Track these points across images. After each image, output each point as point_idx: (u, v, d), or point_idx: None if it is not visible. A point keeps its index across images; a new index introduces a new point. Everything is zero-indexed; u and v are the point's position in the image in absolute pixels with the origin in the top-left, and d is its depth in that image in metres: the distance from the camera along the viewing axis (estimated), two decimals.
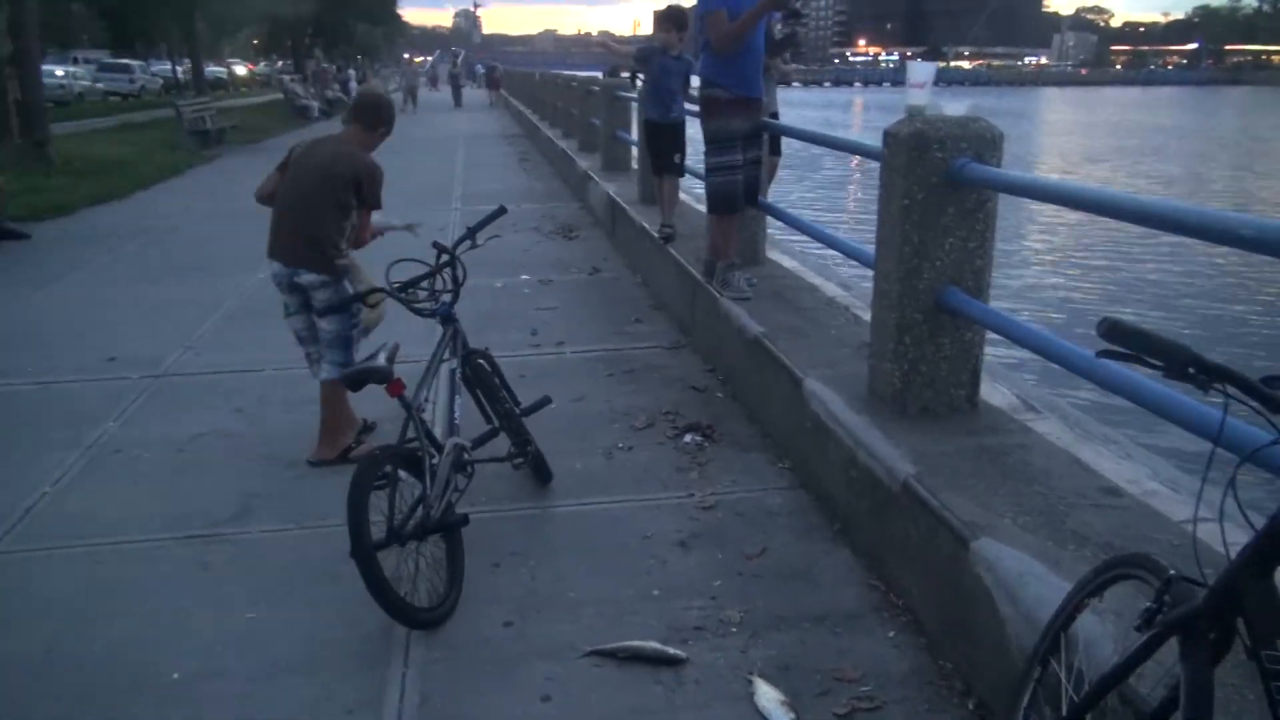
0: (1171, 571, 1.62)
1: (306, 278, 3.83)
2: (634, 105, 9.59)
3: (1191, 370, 1.45)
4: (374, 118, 4.00)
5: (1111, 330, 1.48)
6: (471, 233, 3.54)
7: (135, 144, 18.04)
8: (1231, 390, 1.45)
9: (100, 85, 36.70)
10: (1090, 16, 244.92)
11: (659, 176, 6.92)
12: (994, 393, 3.62)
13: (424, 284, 3.45)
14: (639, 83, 8.24)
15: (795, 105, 60.44)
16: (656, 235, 6.61)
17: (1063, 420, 3.47)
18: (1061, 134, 42.77)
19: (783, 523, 3.49)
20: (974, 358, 3.37)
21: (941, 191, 3.20)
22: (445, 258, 3.46)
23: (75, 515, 3.62)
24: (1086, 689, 1.76)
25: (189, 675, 2.67)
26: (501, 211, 3.72)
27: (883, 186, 3.40)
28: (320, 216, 3.81)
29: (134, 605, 3.03)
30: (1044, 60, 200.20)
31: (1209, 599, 1.52)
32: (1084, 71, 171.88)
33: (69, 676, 2.68)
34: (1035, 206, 15.98)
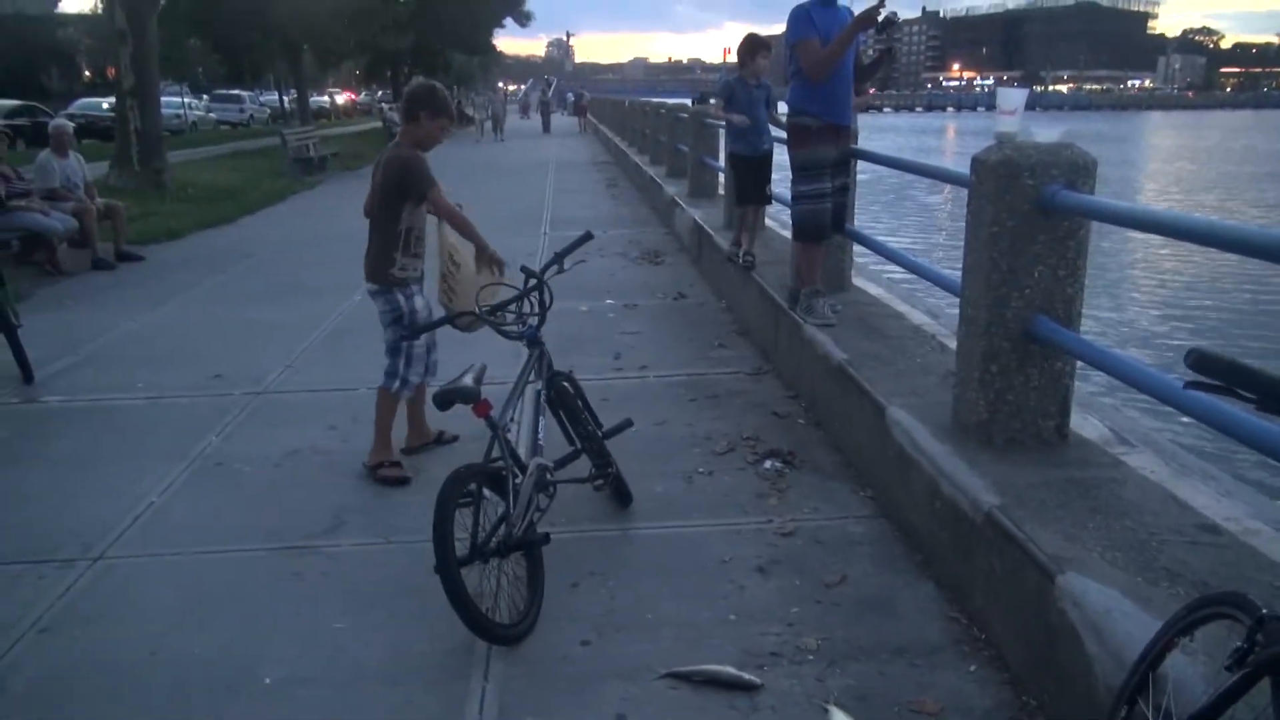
0: (1264, 610, 1.57)
1: (368, 287, 4.11)
2: (721, 133, 9.66)
3: None
4: (410, 109, 4.03)
5: (1200, 361, 1.45)
6: (559, 258, 3.62)
7: (243, 171, 18.89)
8: None
9: (213, 115, 38.62)
10: (1199, 38, 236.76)
11: (742, 206, 6.92)
12: (1085, 425, 3.53)
13: (512, 307, 3.54)
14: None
15: (886, 131, 59.88)
16: (739, 262, 6.62)
17: (1158, 454, 3.36)
18: (1165, 159, 41.30)
19: (863, 551, 3.45)
20: (1063, 388, 3.30)
21: (1032, 219, 3.15)
22: (533, 282, 3.54)
23: (179, 525, 3.81)
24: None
25: (280, 681, 2.78)
26: (588, 237, 3.79)
27: (971, 213, 3.36)
28: (373, 226, 4.09)
29: (231, 612, 3.16)
30: (1149, 83, 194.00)
31: None
32: (1191, 94, 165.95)
33: (169, 677, 2.81)
34: (1137, 236, 15.48)
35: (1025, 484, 2.97)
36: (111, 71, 20.73)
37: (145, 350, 6.44)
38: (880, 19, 4.68)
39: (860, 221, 5.81)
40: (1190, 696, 1.84)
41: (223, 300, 8.07)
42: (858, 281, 6.06)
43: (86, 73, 51.93)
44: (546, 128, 39.76)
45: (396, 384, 4.12)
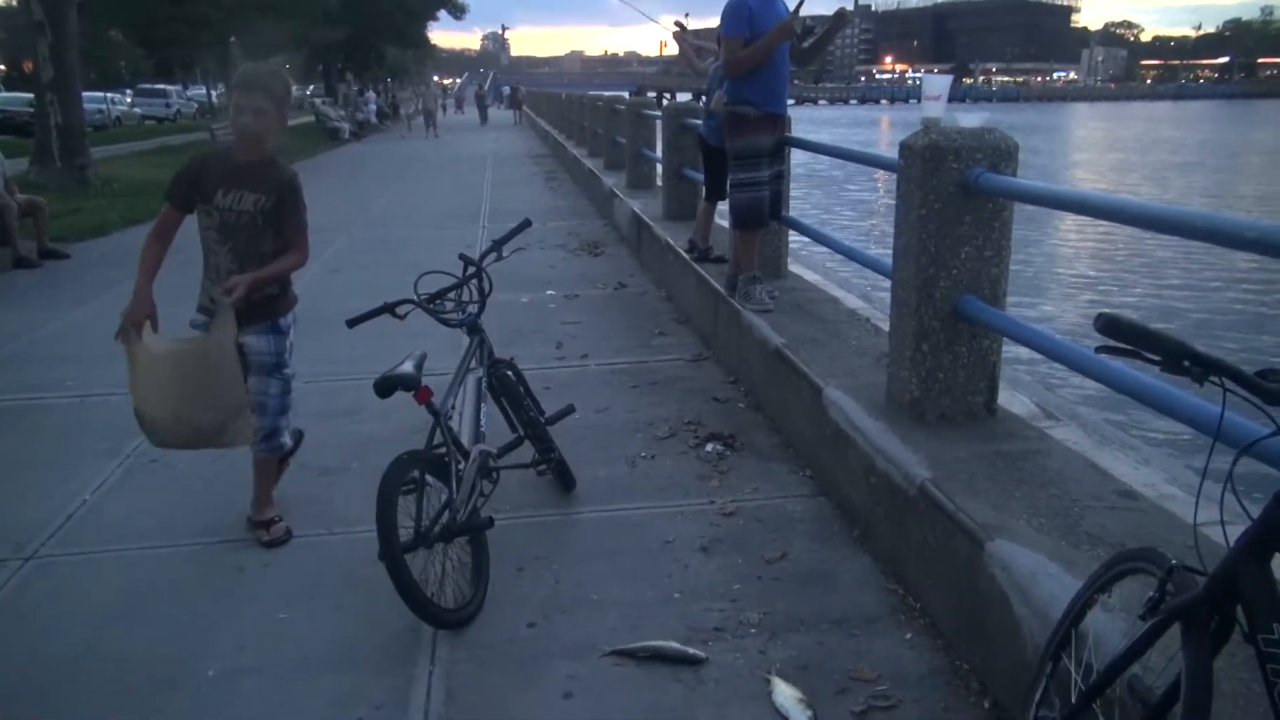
0: (1174, 562, 1.66)
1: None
2: (658, 123, 9.71)
3: (1187, 364, 1.50)
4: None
5: (1109, 325, 1.53)
6: (498, 245, 3.63)
7: (170, 166, 18.22)
8: (1228, 383, 1.49)
9: (138, 110, 37.55)
10: (1120, 31, 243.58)
11: (713, 201, 6.56)
12: (1013, 401, 3.65)
13: (451, 295, 3.54)
14: (665, 101, 8.15)
15: (822, 124, 60.57)
16: (710, 259, 6.30)
17: (1081, 427, 3.50)
18: (1090, 149, 42.48)
19: (803, 529, 3.53)
20: (991, 365, 3.41)
21: (957, 201, 3.25)
22: (472, 270, 3.55)
23: (114, 521, 3.74)
24: (1093, 679, 1.80)
25: (224, 672, 2.76)
26: (526, 224, 3.80)
27: (899, 197, 3.46)
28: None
29: (170, 607, 3.12)
30: (1073, 75, 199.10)
31: (1209, 586, 1.56)
32: (1113, 86, 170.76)
33: (107, 674, 2.77)
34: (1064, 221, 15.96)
35: (956, 458, 3.07)
36: (29, 65, 20.05)
37: (72, 348, 6.27)
38: (799, 29, 4.79)
39: (795, 210, 5.89)
40: (1109, 649, 1.93)
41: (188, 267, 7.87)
42: (794, 268, 6.16)
43: (2, 66, 50.09)
44: (484, 120, 39.62)
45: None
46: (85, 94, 17.40)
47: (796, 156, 5.69)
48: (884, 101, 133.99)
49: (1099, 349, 1.61)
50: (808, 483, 3.92)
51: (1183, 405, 2.23)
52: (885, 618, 2.94)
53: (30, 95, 19.61)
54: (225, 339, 3.29)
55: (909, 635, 2.84)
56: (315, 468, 4.13)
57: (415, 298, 3.47)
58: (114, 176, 15.42)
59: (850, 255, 4.81)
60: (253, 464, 3.57)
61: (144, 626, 3.01)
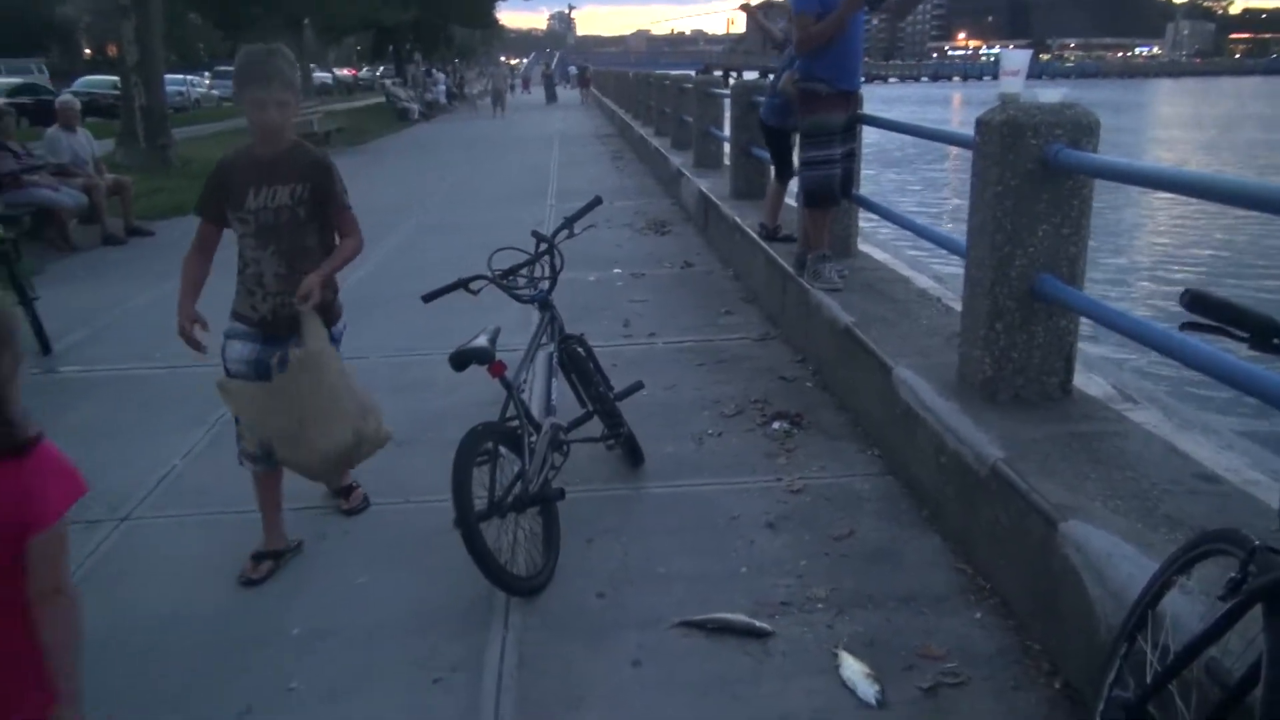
0: (1257, 542, 1.64)
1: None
2: (726, 102, 9.66)
3: (1277, 341, 1.47)
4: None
5: (1194, 301, 1.51)
6: (569, 222, 3.68)
7: None
8: None
9: (215, 92, 38.51)
10: (1207, 4, 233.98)
11: (783, 181, 6.49)
12: (1090, 383, 3.58)
13: (523, 271, 3.60)
14: (732, 79, 8.10)
15: (893, 101, 59.45)
16: (779, 238, 6.28)
17: (1161, 410, 3.42)
18: (1175, 126, 40.98)
19: (870, 507, 3.53)
20: (1067, 345, 3.36)
21: (1035, 178, 3.20)
22: (544, 247, 3.60)
23: (202, 487, 3.90)
24: (1175, 655, 1.78)
25: (307, 632, 2.88)
26: (597, 202, 3.84)
27: (975, 174, 3.41)
28: None
29: None
30: (1156, 50, 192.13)
31: None
32: (1199, 61, 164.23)
33: (196, 632, 2.91)
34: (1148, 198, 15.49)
35: (1029, 438, 3.04)
36: (113, 48, 20.67)
37: (160, 322, 6.45)
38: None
39: (866, 189, 5.83)
40: (1187, 631, 1.91)
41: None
42: (863, 248, 6.11)
43: (87, 50, 51.75)
44: (551, 99, 39.82)
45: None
46: (166, 76, 17.91)
47: (867, 135, 5.63)
48: (956, 79, 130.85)
49: (1183, 325, 1.59)
50: (876, 462, 3.91)
51: (1272, 386, 2.17)
52: (954, 597, 2.93)
53: (115, 78, 20.25)
54: (323, 347, 3.09)
55: (978, 615, 2.83)
56: (392, 440, 4.23)
57: (489, 273, 3.54)
58: (193, 157, 15.85)
59: (922, 234, 4.74)
60: None
61: (231, 587, 3.14)
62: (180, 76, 34.23)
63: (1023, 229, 3.25)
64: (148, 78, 14.66)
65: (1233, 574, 1.67)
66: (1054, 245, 3.26)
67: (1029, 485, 2.73)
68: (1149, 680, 1.85)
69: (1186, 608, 1.96)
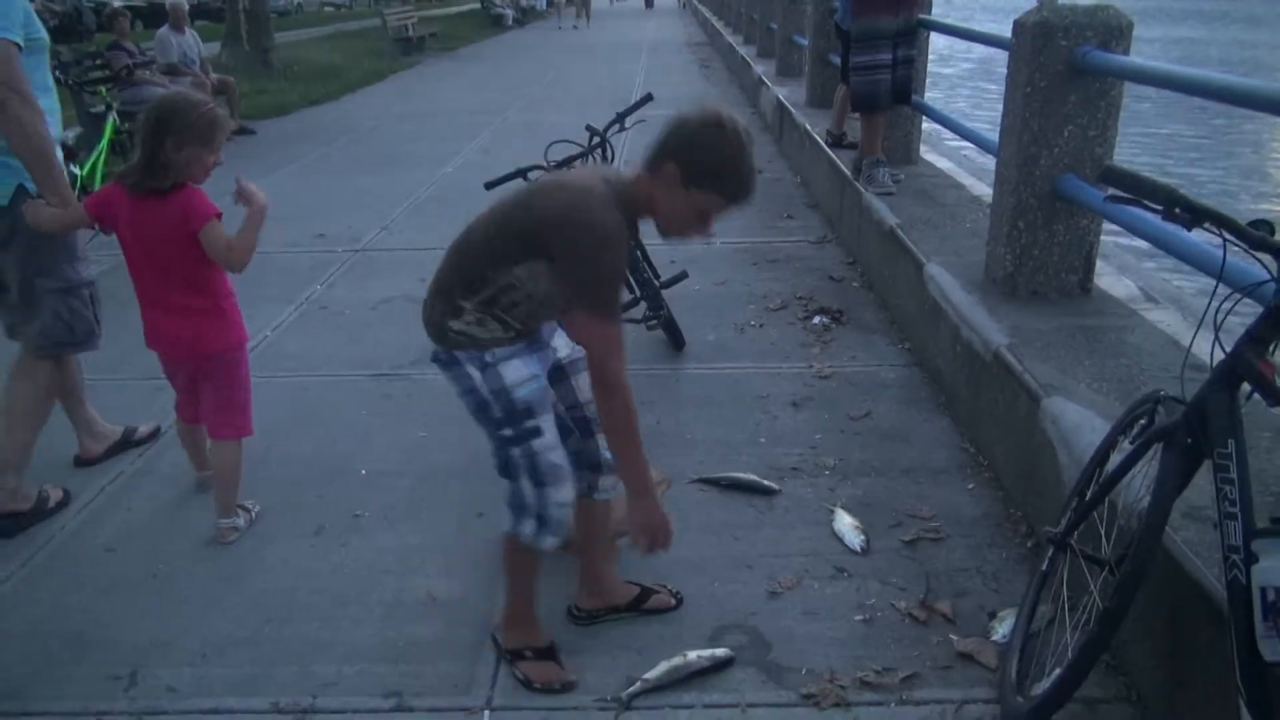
0: (1163, 393, 1.86)
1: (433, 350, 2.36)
2: (809, 8, 9.58)
3: (1179, 210, 1.67)
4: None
5: (1107, 173, 1.71)
6: (620, 117, 3.93)
7: (345, 51, 19.37)
8: (1212, 228, 1.66)
9: None
10: None
11: (846, 84, 6.24)
12: (1117, 284, 3.72)
13: (576, 163, 3.88)
14: None
15: (995, 12, 56.38)
16: (843, 144, 6.36)
17: (1181, 311, 3.56)
18: None
19: (891, 393, 3.77)
20: (1088, 244, 3.49)
21: (1063, 79, 3.30)
22: (596, 140, 3.86)
23: (290, 353, 4.36)
24: (1093, 491, 2.03)
25: (374, 472, 3.30)
26: (649, 98, 4.07)
27: (1008, 75, 3.52)
28: (463, 250, 2.25)
29: (332, 421, 3.70)
30: None
31: (1186, 412, 1.76)
32: None
33: (284, 468, 3.36)
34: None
35: (1037, 329, 3.22)
36: None
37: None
38: None
39: (935, 97, 5.86)
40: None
41: (326, 170, 8.61)
42: (929, 156, 6.17)
43: None
44: (649, 3, 39.45)
45: (531, 526, 2.24)
46: None
47: (974, 50, 5.64)
48: None
49: (1108, 198, 1.79)
50: (905, 354, 4.13)
51: (1193, 251, 2.38)
52: (952, 470, 3.19)
53: None
54: None
55: (971, 486, 3.09)
56: None
57: (545, 163, 3.83)
58: (295, 60, 16.41)
59: (967, 136, 4.82)
60: None
61: (311, 435, 3.59)
62: None
63: (1049, 129, 3.37)
64: None
65: (1143, 421, 1.90)
66: (1079, 146, 3.37)
67: (1023, 367, 2.94)
68: (1073, 515, 2.10)
69: (1117, 462, 2.18)
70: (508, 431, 2.15)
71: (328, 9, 38.00)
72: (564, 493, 2.20)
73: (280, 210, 6.94)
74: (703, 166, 1.95)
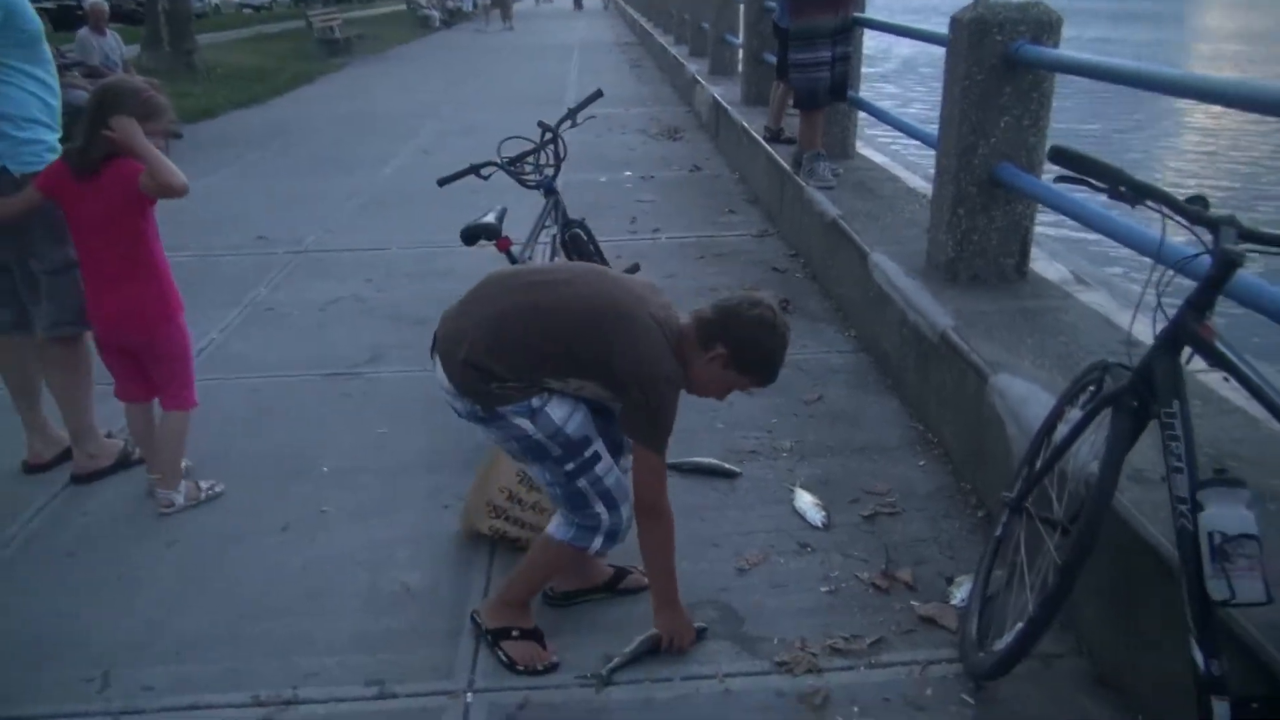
0: (1111, 361, 1.98)
1: (459, 405, 2.29)
2: (741, 7, 9.75)
3: (1123, 189, 1.79)
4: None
5: (1056, 154, 1.83)
6: (572, 113, 3.98)
7: (269, 54, 19.03)
8: (1154, 205, 1.78)
9: None
10: None
11: (782, 81, 6.46)
12: (1049, 268, 3.90)
13: (529, 159, 3.92)
14: None
15: (924, 12, 57.85)
16: (781, 140, 6.52)
17: (1110, 292, 3.74)
18: (1229, 40, 39.77)
19: (841, 378, 3.90)
20: (1024, 229, 3.66)
21: (999, 72, 3.46)
22: (549, 136, 3.91)
23: (239, 355, 4.31)
24: (1045, 457, 2.15)
25: (335, 470, 3.30)
26: (598, 94, 4.13)
27: (947, 70, 3.67)
28: (522, 337, 2.19)
29: (290, 421, 3.68)
30: None
31: (1133, 377, 1.88)
32: None
33: (244, 466, 3.34)
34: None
35: (980, 311, 3.37)
36: None
37: (190, 216, 6.82)
38: None
39: (869, 93, 6.04)
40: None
41: (260, 174, 8.48)
42: (864, 151, 6.35)
43: None
44: (578, 6, 39.72)
45: (600, 541, 2.29)
46: None
47: (904, 46, 5.82)
48: None
49: (1057, 179, 1.91)
50: (851, 341, 4.26)
51: (1131, 233, 2.53)
52: (903, 448, 3.31)
53: None
54: None
55: (922, 462, 3.21)
56: (411, 318, 4.63)
57: (498, 160, 3.86)
58: (218, 63, 16.07)
59: (905, 130, 4.98)
60: None
61: (269, 435, 3.57)
62: None
63: (986, 120, 3.52)
64: None
65: (1091, 389, 2.02)
66: (1015, 135, 3.53)
67: (970, 347, 3.08)
68: (1024, 482, 2.22)
69: (1066, 429, 2.31)
70: (570, 466, 2.21)
71: (246, 10, 37.19)
72: (629, 506, 2.29)
73: (218, 213, 6.92)
74: (750, 358, 2.21)
